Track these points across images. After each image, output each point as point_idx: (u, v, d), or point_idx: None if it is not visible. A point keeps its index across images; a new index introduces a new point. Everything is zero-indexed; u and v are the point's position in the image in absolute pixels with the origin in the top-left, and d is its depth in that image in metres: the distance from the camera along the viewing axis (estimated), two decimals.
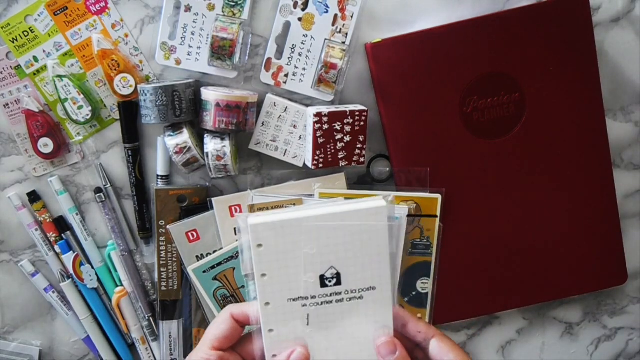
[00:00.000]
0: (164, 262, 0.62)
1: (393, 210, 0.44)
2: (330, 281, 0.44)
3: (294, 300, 0.44)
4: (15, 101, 0.62)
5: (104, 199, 0.63)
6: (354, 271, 0.44)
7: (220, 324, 0.45)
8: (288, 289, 0.44)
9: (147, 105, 0.58)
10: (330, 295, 0.44)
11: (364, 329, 0.44)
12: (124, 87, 0.60)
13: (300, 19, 0.60)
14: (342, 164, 0.59)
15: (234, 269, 0.61)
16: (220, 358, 0.44)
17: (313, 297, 0.44)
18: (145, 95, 0.58)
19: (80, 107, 0.60)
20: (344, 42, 0.60)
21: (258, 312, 0.44)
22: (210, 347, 0.44)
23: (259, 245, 0.43)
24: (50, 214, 0.64)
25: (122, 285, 0.64)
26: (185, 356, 0.64)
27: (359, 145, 0.59)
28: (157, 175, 0.62)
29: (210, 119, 0.58)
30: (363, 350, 0.45)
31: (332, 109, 0.58)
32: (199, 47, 0.60)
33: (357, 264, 0.44)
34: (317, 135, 0.58)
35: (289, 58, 0.61)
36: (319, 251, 0.43)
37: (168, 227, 0.61)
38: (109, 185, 0.63)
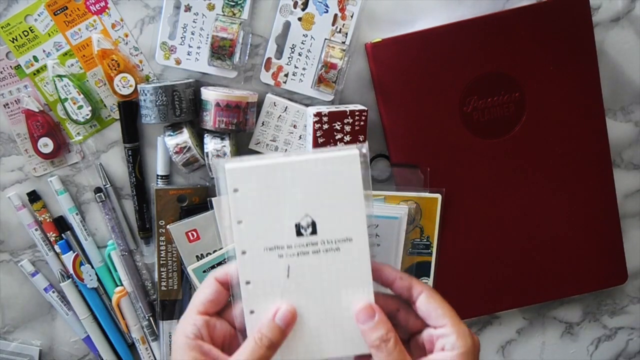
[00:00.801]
0: (164, 261, 0.62)
1: (367, 161, 0.44)
2: (305, 230, 0.43)
3: (270, 249, 0.43)
4: (15, 101, 0.62)
5: (104, 199, 0.63)
6: (329, 220, 0.43)
7: (204, 288, 0.44)
8: (264, 237, 0.43)
9: (147, 105, 0.58)
10: (307, 245, 0.43)
11: (343, 283, 0.44)
12: (123, 87, 0.60)
13: (300, 19, 0.60)
14: None
15: None
16: (206, 323, 0.43)
17: (289, 247, 0.43)
18: (145, 95, 0.58)
19: (80, 107, 0.60)
20: (344, 42, 0.60)
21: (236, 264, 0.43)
22: (196, 312, 0.43)
23: (235, 190, 0.43)
24: (50, 214, 0.64)
25: (122, 285, 0.64)
26: None
27: (358, 145, 0.59)
28: (157, 175, 0.62)
29: (210, 119, 0.58)
30: (343, 306, 0.44)
31: (332, 108, 0.58)
32: (199, 47, 0.60)
33: (332, 213, 0.43)
34: (317, 135, 0.58)
35: (288, 58, 0.61)
36: (294, 198, 0.43)
37: (168, 227, 0.61)
38: (109, 185, 0.63)
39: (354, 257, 0.44)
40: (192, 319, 0.43)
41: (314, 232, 0.43)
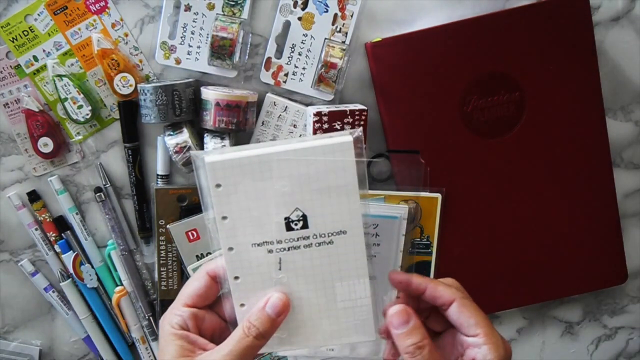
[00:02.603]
0: (164, 261, 0.62)
1: (362, 147, 0.40)
2: (296, 224, 0.41)
3: (258, 245, 0.41)
4: (15, 101, 0.62)
5: (103, 199, 0.63)
6: (321, 213, 0.40)
7: (193, 281, 0.44)
8: (251, 233, 0.41)
9: (147, 105, 0.58)
10: (297, 239, 0.41)
11: (337, 276, 0.41)
12: (123, 87, 0.60)
13: (300, 19, 0.60)
14: None
15: None
16: (193, 315, 0.42)
17: (279, 242, 0.41)
18: (145, 94, 0.58)
19: (80, 107, 0.60)
20: (343, 42, 0.60)
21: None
22: (182, 304, 0.43)
23: (218, 185, 0.40)
24: (50, 214, 0.64)
25: (122, 284, 0.64)
26: None
27: (358, 145, 0.59)
28: (157, 175, 0.62)
29: (210, 119, 0.58)
30: (338, 299, 0.42)
31: (332, 108, 0.58)
32: (198, 47, 0.60)
33: (325, 205, 0.40)
34: (317, 134, 0.58)
35: (288, 57, 0.61)
36: (282, 191, 0.40)
37: (168, 226, 0.61)
38: (108, 184, 0.63)
39: (349, 250, 0.41)
40: (178, 310, 0.43)
41: (305, 226, 0.41)
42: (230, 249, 0.42)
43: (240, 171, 0.40)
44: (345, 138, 0.40)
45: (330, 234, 0.41)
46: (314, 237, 0.41)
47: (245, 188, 0.40)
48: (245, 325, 0.41)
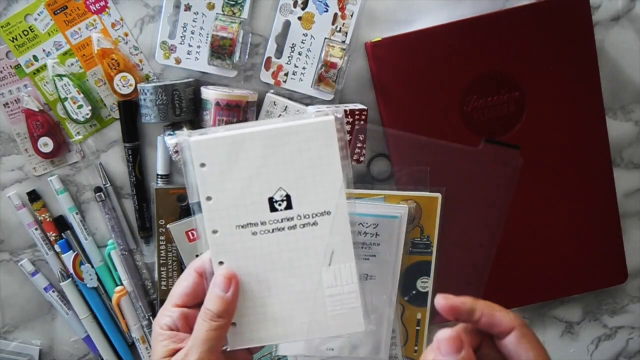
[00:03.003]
0: (164, 261, 0.62)
1: (344, 127, 0.41)
2: (280, 204, 0.41)
3: (242, 227, 0.41)
4: (15, 100, 0.62)
5: (103, 198, 0.63)
6: (304, 193, 0.41)
7: (182, 280, 0.44)
8: (235, 215, 0.41)
9: (147, 105, 0.58)
10: (282, 221, 0.41)
11: (323, 260, 0.41)
12: (123, 86, 0.60)
13: (300, 18, 0.60)
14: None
15: None
16: (182, 315, 0.42)
17: (263, 223, 0.41)
18: (145, 94, 0.58)
19: (80, 107, 0.60)
20: (343, 41, 0.60)
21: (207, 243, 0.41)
22: (173, 304, 0.43)
23: (202, 165, 0.41)
24: (50, 214, 0.64)
25: (122, 284, 0.64)
26: None
27: (358, 145, 0.59)
28: (157, 175, 0.62)
29: (210, 118, 0.58)
30: (324, 284, 0.41)
31: (332, 108, 0.58)
32: (198, 46, 0.60)
33: (308, 185, 0.41)
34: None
35: (288, 57, 0.61)
36: (266, 170, 0.40)
37: (168, 226, 0.61)
38: (108, 184, 0.63)
39: (334, 231, 0.41)
40: (168, 311, 0.43)
41: (289, 206, 0.41)
42: (215, 231, 0.41)
43: (225, 150, 0.40)
44: (327, 117, 0.40)
45: (314, 215, 0.41)
46: (298, 217, 0.41)
47: (230, 167, 0.41)
48: (201, 312, 0.41)
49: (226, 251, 0.41)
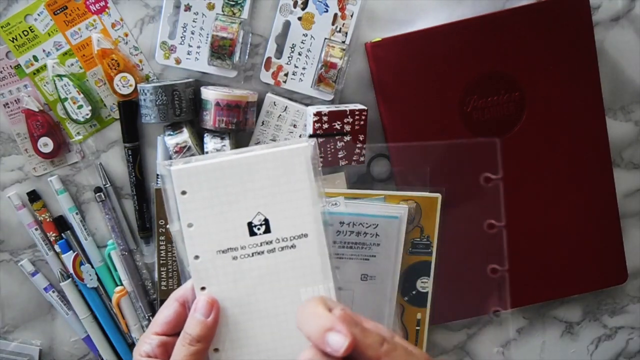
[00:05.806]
0: (164, 261, 0.62)
1: (316, 154, 0.43)
2: (259, 229, 0.42)
3: (223, 252, 0.42)
4: (15, 100, 0.62)
5: (103, 199, 0.63)
6: (282, 217, 0.42)
7: (163, 309, 0.44)
8: (216, 240, 0.42)
9: (147, 105, 0.58)
10: (261, 244, 0.42)
11: (302, 281, 0.42)
12: (123, 87, 0.60)
13: (300, 18, 0.60)
14: (342, 163, 0.59)
15: None
16: (161, 343, 0.43)
17: (243, 248, 0.42)
18: (145, 94, 0.58)
19: (80, 107, 0.60)
20: (343, 42, 0.60)
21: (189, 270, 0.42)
22: (153, 332, 0.43)
23: (183, 192, 0.42)
24: (50, 214, 0.64)
25: (122, 284, 0.64)
26: None
27: (358, 145, 0.59)
28: (157, 175, 0.62)
29: (210, 118, 0.58)
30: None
31: (332, 108, 0.58)
32: (198, 47, 0.60)
33: (285, 209, 0.42)
34: (317, 134, 0.58)
35: (288, 57, 0.61)
36: (245, 196, 0.42)
37: (168, 226, 0.61)
38: (108, 184, 0.63)
39: (312, 253, 0.42)
40: (148, 338, 0.43)
41: (267, 230, 0.42)
42: (197, 257, 0.43)
43: (205, 178, 0.42)
44: (301, 144, 0.43)
45: (292, 238, 0.42)
46: (277, 241, 0.42)
47: (210, 194, 0.42)
48: (181, 337, 0.42)
49: (208, 276, 0.43)
